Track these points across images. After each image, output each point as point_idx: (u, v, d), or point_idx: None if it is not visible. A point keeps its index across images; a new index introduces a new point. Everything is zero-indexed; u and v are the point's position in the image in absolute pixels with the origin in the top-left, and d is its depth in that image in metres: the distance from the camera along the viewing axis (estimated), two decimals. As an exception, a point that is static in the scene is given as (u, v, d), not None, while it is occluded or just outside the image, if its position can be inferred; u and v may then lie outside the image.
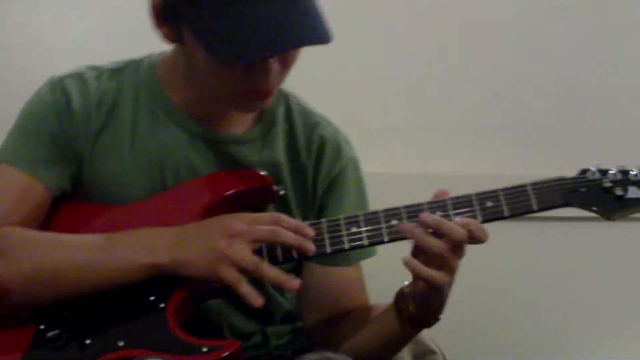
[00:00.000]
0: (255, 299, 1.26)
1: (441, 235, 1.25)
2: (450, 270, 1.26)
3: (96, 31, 2.19)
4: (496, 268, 2.24)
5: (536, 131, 2.28)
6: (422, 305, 1.32)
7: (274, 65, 1.30)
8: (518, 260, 2.28)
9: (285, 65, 1.33)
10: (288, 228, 1.30)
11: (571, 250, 2.31)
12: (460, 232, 1.24)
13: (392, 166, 2.20)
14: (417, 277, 1.28)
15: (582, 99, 2.29)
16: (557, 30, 2.27)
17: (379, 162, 2.10)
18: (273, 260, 1.31)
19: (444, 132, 2.26)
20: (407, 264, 1.26)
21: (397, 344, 1.42)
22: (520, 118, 2.28)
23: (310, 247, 1.29)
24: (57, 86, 1.44)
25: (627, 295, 2.32)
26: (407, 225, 1.28)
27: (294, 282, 1.29)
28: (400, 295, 1.35)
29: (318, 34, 1.26)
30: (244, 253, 1.27)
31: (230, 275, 1.26)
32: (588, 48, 2.28)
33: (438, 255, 1.25)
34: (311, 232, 1.31)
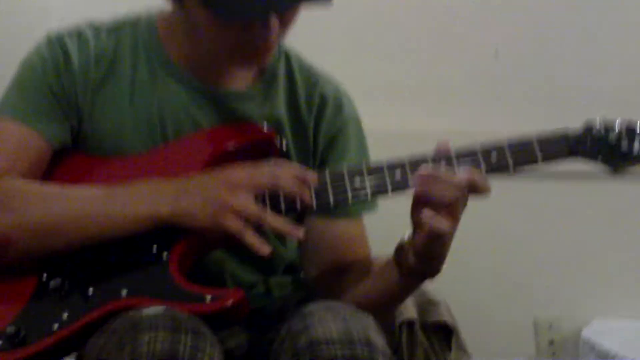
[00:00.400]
0: (262, 247, 1.26)
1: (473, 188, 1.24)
2: (454, 218, 1.25)
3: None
4: (497, 225, 2.24)
5: (537, 88, 2.28)
6: (422, 256, 1.29)
7: (274, 22, 1.29)
8: (520, 218, 2.29)
9: (285, 22, 1.32)
10: (290, 174, 1.30)
11: (573, 208, 2.31)
12: (460, 178, 1.24)
13: (395, 123, 2.20)
14: (422, 225, 1.26)
15: (584, 56, 2.29)
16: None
17: (381, 119, 2.10)
18: (275, 211, 1.30)
19: (446, 90, 2.26)
20: (415, 212, 1.25)
21: (399, 296, 1.43)
22: (522, 76, 2.28)
23: (308, 199, 1.30)
24: (56, 42, 1.43)
25: (627, 253, 2.33)
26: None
27: (298, 231, 1.29)
28: (400, 248, 1.34)
29: None
30: (247, 202, 1.27)
31: (235, 224, 1.26)
32: (590, 6, 2.28)
33: (441, 202, 1.23)
34: (313, 178, 1.31)
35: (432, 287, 1.49)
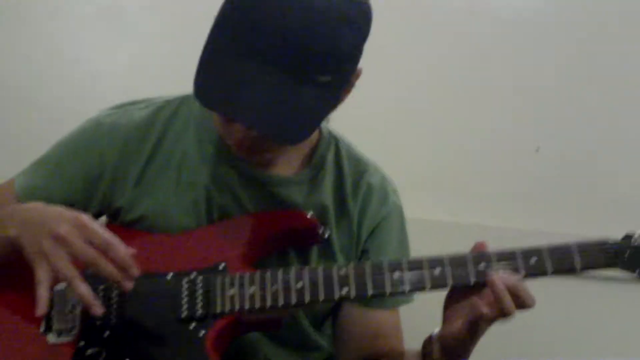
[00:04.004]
0: (40, 306, 1.24)
1: (515, 297, 1.26)
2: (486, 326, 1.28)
3: (139, 55, 2.22)
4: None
5: (577, 189, 2.27)
6: (447, 351, 1.32)
7: (237, 126, 1.30)
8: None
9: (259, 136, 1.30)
10: (116, 259, 1.25)
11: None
12: (532, 300, 1.26)
13: (435, 214, 2.20)
14: (469, 315, 1.28)
15: (628, 162, 2.27)
16: (601, 89, 2.28)
17: (423, 210, 2.10)
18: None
19: (486, 184, 2.26)
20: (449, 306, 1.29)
21: None
22: (563, 176, 2.27)
23: (128, 286, 1.26)
24: (103, 123, 1.46)
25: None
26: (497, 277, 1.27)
27: (97, 309, 1.25)
28: (428, 342, 1.36)
29: (278, 130, 1.24)
30: (62, 263, 1.24)
31: (40, 272, 1.24)
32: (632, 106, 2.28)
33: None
34: (135, 272, 1.26)
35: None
